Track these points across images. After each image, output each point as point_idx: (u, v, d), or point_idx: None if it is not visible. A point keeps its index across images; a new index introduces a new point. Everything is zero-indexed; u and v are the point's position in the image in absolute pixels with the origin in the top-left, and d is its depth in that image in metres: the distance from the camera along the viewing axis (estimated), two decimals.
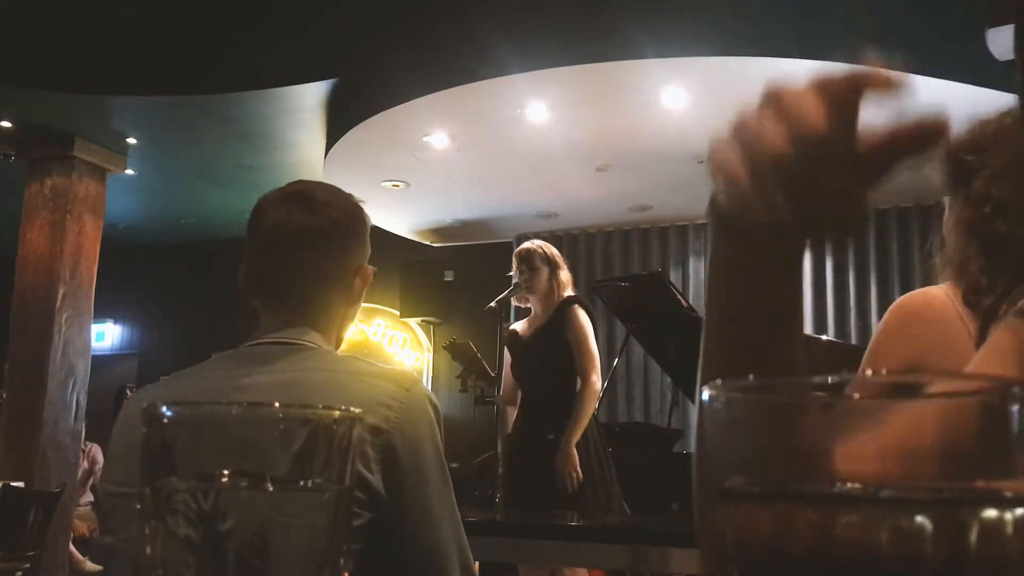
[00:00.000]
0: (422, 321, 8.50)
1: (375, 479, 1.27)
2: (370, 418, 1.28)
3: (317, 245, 1.42)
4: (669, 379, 5.54)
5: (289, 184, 1.49)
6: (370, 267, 1.50)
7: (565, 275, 4.20)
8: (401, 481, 1.30)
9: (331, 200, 1.45)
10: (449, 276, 8.40)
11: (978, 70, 4.58)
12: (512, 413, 4.24)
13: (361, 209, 1.49)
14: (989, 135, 1.35)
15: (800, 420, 0.34)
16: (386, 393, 1.33)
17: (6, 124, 6.30)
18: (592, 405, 4.03)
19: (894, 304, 1.55)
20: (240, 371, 1.36)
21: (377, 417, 1.30)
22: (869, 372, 0.34)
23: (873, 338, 1.54)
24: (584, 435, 4.00)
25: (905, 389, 0.34)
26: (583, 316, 4.08)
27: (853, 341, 6.76)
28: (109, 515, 1.35)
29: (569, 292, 4.19)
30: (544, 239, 4.49)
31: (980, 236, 1.30)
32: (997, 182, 1.27)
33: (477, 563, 3.90)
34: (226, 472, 0.40)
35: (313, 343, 1.41)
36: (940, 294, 1.48)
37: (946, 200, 1.46)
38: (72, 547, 6.38)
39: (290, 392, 1.30)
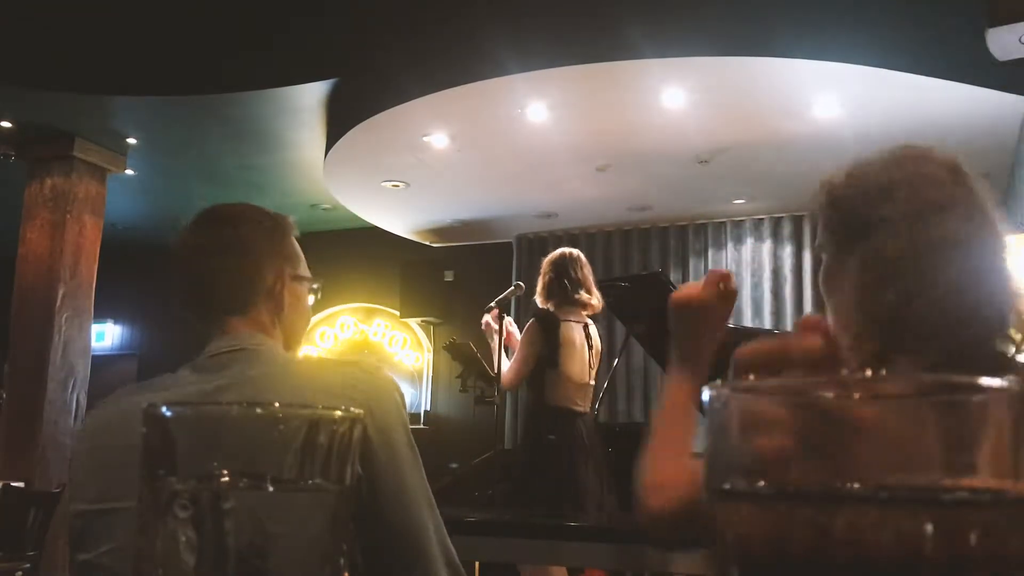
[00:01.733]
0: (422, 321, 8.50)
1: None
2: (339, 403, 1.28)
3: (231, 255, 1.47)
4: None
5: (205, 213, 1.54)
6: (296, 277, 1.53)
7: (545, 281, 4.33)
8: (373, 461, 1.32)
9: (240, 214, 1.50)
10: (449, 276, 8.40)
11: (978, 70, 4.58)
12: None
13: (274, 221, 1.52)
14: (876, 181, 1.14)
15: (800, 420, 0.34)
16: (351, 377, 1.37)
17: (6, 124, 6.30)
18: (499, 382, 4.33)
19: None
20: (203, 377, 1.38)
21: (344, 400, 1.31)
22: (869, 372, 0.34)
23: None
24: (567, 437, 4.08)
25: (904, 389, 0.34)
26: (529, 324, 4.27)
27: None
28: (83, 534, 1.32)
29: (541, 303, 4.32)
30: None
31: (875, 308, 1.09)
32: (893, 239, 1.09)
33: (477, 563, 3.90)
34: (226, 472, 0.40)
35: (261, 344, 1.43)
36: None
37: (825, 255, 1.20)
38: None
39: (258, 390, 1.32)
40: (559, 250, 4.41)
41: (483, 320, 4.42)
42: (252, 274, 1.47)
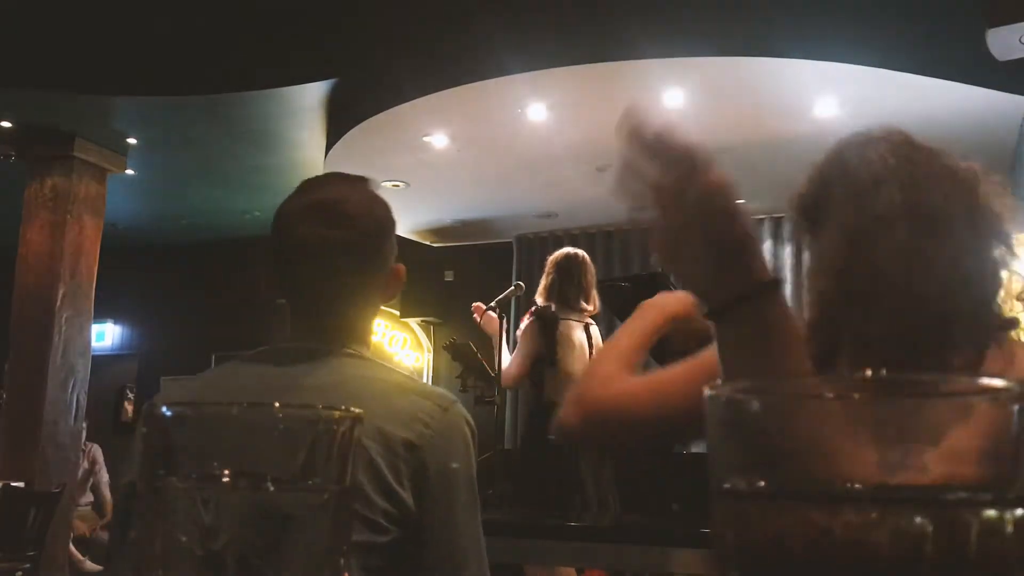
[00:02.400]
0: (422, 321, 8.50)
1: (406, 495, 1.26)
2: (405, 433, 1.27)
3: (350, 259, 1.37)
4: None
5: (310, 189, 1.42)
6: (401, 265, 1.46)
7: (547, 281, 4.34)
8: (429, 500, 1.28)
9: (359, 210, 1.39)
10: (449, 276, 8.40)
11: (978, 70, 4.58)
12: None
13: (387, 208, 1.43)
14: (834, 164, 1.11)
15: (800, 420, 0.34)
16: (423, 410, 1.31)
17: (6, 124, 6.30)
18: (499, 380, 4.34)
19: None
20: (279, 371, 1.33)
21: (412, 433, 1.28)
22: (869, 372, 0.34)
23: None
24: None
25: (905, 389, 0.34)
26: (527, 322, 4.27)
27: None
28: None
29: (542, 302, 4.32)
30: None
31: (820, 290, 1.04)
32: (832, 222, 1.04)
33: None
34: (226, 472, 0.40)
35: (352, 350, 1.38)
36: None
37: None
38: (72, 547, 6.38)
39: (329, 397, 1.26)
40: (566, 250, 4.39)
41: (474, 310, 4.43)
42: (368, 277, 1.41)
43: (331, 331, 1.38)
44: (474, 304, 4.48)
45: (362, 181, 1.44)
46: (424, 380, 8.50)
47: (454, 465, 1.31)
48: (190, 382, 1.49)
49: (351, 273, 1.38)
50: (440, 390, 1.40)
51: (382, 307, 1.49)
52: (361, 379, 1.33)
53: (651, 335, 1.29)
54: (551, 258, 4.37)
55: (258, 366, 1.37)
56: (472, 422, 1.38)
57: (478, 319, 4.40)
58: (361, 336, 1.42)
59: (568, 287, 4.25)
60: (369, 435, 1.23)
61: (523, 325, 4.31)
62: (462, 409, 1.37)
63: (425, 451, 1.28)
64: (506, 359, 4.31)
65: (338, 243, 1.35)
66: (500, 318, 4.36)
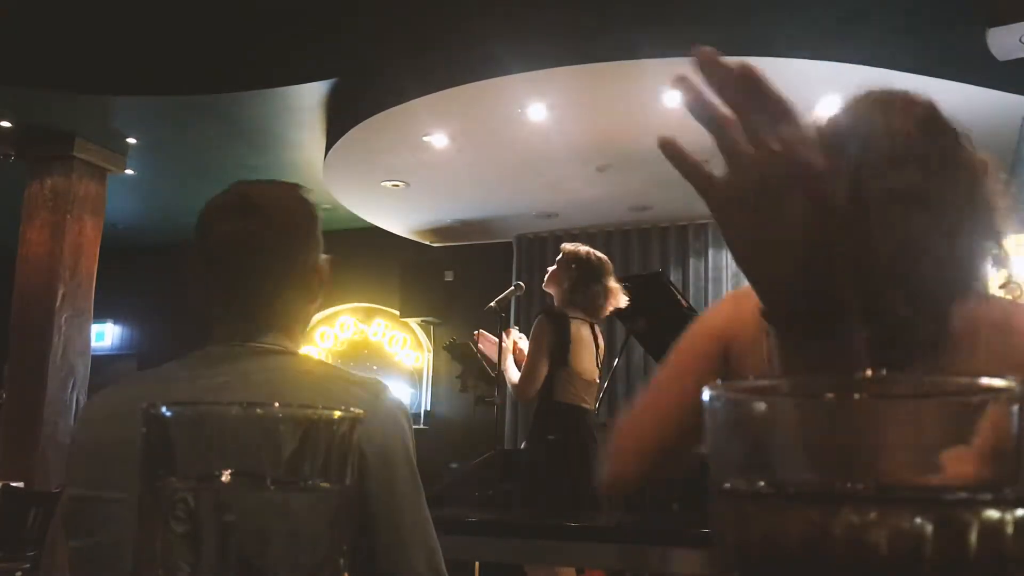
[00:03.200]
0: (422, 321, 8.50)
1: None
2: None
3: (270, 252, 1.40)
4: None
5: (232, 188, 1.46)
6: (325, 260, 1.48)
7: (564, 279, 4.16)
8: (370, 487, 1.29)
9: (277, 203, 1.42)
10: (449, 276, 8.40)
11: (978, 70, 4.59)
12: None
13: (309, 204, 1.46)
14: (857, 120, 1.07)
15: (800, 420, 0.34)
16: (354, 398, 1.33)
17: (6, 124, 6.30)
18: (514, 395, 4.21)
19: (735, 290, 1.32)
20: (208, 371, 1.34)
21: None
22: (869, 372, 0.34)
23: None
24: (578, 434, 4.03)
25: (904, 389, 0.34)
26: (538, 322, 4.10)
27: None
28: (74, 518, 1.32)
29: (558, 301, 4.18)
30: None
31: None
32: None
33: (477, 563, 3.89)
34: (226, 472, 0.40)
35: (279, 345, 1.40)
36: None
37: None
38: None
39: (260, 394, 1.28)
40: (587, 250, 4.17)
41: (479, 337, 4.32)
42: (290, 270, 1.42)
43: (257, 326, 1.40)
44: (475, 332, 4.41)
45: (290, 184, 1.49)
46: (425, 384, 8.51)
47: (390, 449, 1.33)
48: (115, 391, 1.44)
49: (266, 267, 1.40)
50: (371, 378, 1.42)
51: (362, 305, 1.49)
52: (290, 372, 1.35)
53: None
54: (572, 253, 4.14)
55: (185, 371, 1.38)
56: (405, 407, 1.42)
57: (482, 348, 4.33)
58: (288, 331, 1.43)
59: (597, 292, 4.07)
60: None
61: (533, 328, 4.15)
62: (394, 396, 1.41)
63: (360, 439, 1.28)
64: (515, 373, 4.19)
65: (251, 235, 1.38)
66: (499, 318, 4.33)
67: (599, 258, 4.15)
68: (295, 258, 1.42)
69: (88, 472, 1.33)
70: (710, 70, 0.71)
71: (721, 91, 0.71)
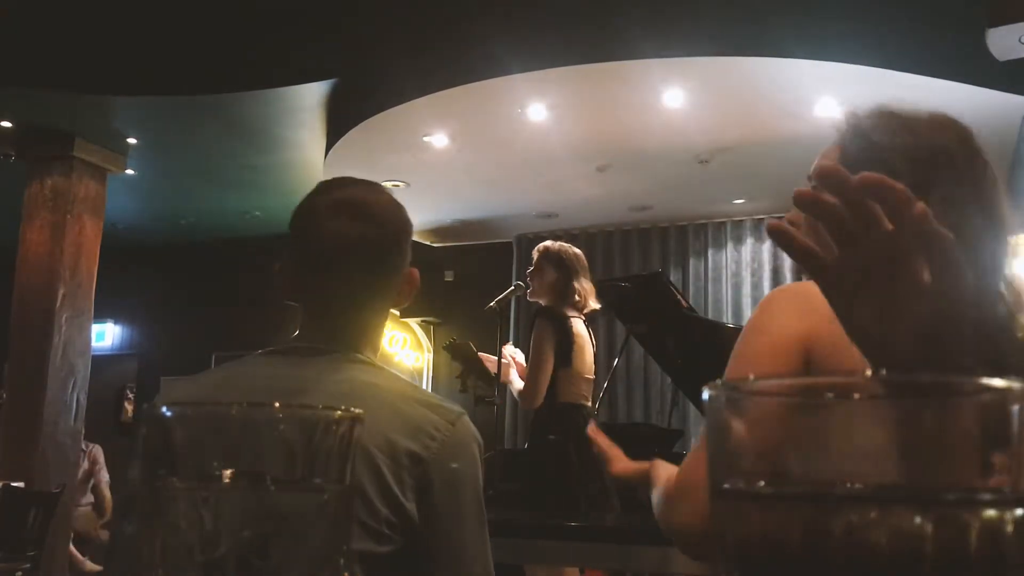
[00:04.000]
0: (422, 321, 8.51)
1: (410, 506, 1.25)
2: (411, 444, 1.26)
3: (374, 259, 1.38)
4: (669, 379, 5.53)
5: (330, 189, 1.43)
6: (415, 270, 1.47)
7: (551, 278, 4.13)
8: (434, 514, 1.27)
9: (384, 209, 1.41)
10: (449, 276, 8.41)
11: (978, 70, 4.58)
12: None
13: (405, 212, 1.45)
14: (927, 141, 1.08)
15: (800, 420, 0.34)
16: (431, 423, 1.30)
17: (6, 124, 6.30)
18: (523, 403, 4.15)
19: (773, 291, 1.29)
20: (289, 373, 1.32)
21: (418, 445, 1.26)
22: (875, 371, 0.34)
23: (753, 318, 1.23)
24: (581, 432, 4.00)
25: (904, 389, 0.34)
26: (539, 324, 4.07)
27: None
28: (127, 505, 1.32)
29: (546, 300, 4.13)
30: (544, 239, 4.46)
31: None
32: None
33: None
34: (226, 472, 0.40)
35: (363, 356, 1.37)
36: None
37: None
38: (72, 547, 6.38)
39: (338, 404, 1.24)
40: (561, 245, 4.18)
41: (504, 357, 4.28)
42: (387, 279, 1.41)
43: (342, 334, 1.38)
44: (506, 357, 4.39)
45: (377, 184, 1.48)
46: (425, 384, 8.51)
47: (460, 479, 1.30)
48: (192, 383, 1.46)
49: (372, 272, 1.39)
50: (449, 403, 1.38)
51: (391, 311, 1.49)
52: (371, 386, 1.32)
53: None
54: (547, 251, 4.15)
55: (267, 367, 1.36)
56: (479, 438, 1.38)
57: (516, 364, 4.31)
58: (372, 341, 1.42)
59: (575, 287, 4.10)
60: (376, 443, 1.23)
61: (534, 331, 4.09)
62: (470, 423, 1.37)
63: (430, 464, 1.27)
64: (518, 382, 4.17)
65: (366, 240, 1.37)
66: (499, 318, 4.32)
67: (576, 252, 4.17)
68: (396, 264, 1.42)
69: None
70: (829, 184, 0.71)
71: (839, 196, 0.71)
